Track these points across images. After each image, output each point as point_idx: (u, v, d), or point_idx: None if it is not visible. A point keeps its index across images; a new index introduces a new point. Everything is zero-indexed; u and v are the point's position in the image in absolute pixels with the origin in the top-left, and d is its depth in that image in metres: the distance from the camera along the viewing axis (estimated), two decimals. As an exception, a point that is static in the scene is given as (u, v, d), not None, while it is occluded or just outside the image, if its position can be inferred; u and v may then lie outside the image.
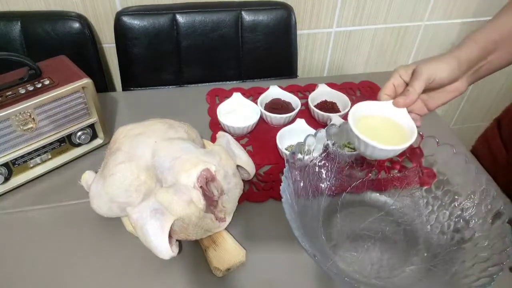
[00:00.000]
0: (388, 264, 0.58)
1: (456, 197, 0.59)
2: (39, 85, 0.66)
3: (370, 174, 0.67)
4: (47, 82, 0.67)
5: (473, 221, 0.55)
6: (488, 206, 0.53)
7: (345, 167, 0.66)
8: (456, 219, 0.57)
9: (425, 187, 0.63)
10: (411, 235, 0.62)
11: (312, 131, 0.70)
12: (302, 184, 0.59)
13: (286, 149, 0.76)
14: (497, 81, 1.51)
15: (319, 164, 0.63)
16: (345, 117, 0.80)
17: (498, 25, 0.58)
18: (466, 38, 0.58)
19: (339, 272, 0.53)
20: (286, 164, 0.55)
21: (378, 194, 0.67)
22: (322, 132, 0.62)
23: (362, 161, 0.66)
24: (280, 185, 0.52)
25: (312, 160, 0.62)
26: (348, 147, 0.67)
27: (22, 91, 0.65)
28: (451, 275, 0.51)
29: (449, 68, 0.56)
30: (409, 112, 0.57)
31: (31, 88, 0.65)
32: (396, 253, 0.60)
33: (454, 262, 0.53)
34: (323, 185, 0.65)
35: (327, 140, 0.63)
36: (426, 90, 0.57)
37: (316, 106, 0.86)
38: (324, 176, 0.65)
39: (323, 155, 0.63)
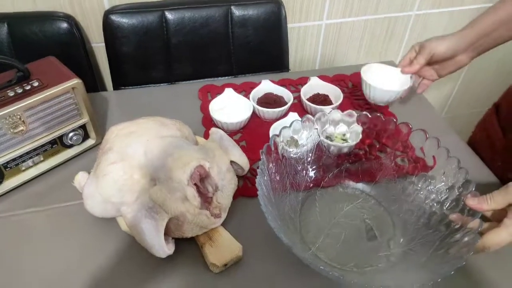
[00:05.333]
0: (366, 250, 0.59)
1: (431, 181, 0.60)
2: (28, 87, 0.65)
3: (347, 163, 0.68)
4: (36, 84, 0.66)
5: (447, 204, 0.56)
6: (460, 189, 0.55)
7: (322, 158, 0.67)
8: (431, 203, 0.59)
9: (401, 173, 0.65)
10: (388, 221, 0.64)
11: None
12: (278, 176, 0.60)
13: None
14: (488, 68, 1.52)
15: (294, 156, 0.64)
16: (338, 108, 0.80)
17: (498, 10, 0.69)
18: (476, 18, 0.71)
19: (316, 261, 0.54)
20: (261, 157, 0.55)
21: (355, 182, 0.69)
22: (298, 123, 0.63)
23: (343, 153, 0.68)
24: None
25: (287, 152, 0.62)
26: (342, 139, 0.67)
27: (11, 93, 0.64)
28: (428, 257, 0.53)
29: (447, 44, 0.71)
30: (421, 78, 0.80)
31: (20, 91, 0.64)
32: (373, 238, 0.61)
33: (430, 244, 0.54)
34: (300, 176, 0.66)
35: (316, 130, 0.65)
36: (436, 61, 0.74)
37: (308, 99, 0.86)
38: (300, 168, 0.66)
39: (303, 147, 0.65)
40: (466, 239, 0.49)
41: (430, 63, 0.75)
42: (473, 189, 0.52)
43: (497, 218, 0.50)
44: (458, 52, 0.72)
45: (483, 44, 0.71)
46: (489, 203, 0.49)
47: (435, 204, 0.58)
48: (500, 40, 0.71)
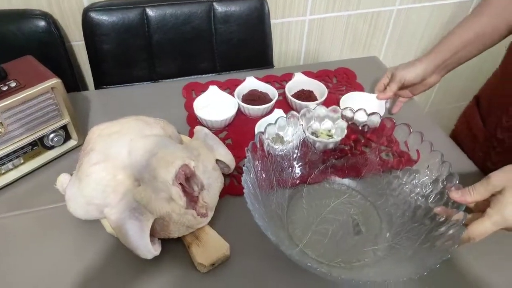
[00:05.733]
0: (353, 245, 0.60)
1: (415, 175, 0.61)
2: (5, 88, 0.63)
3: (333, 159, 0.68)
4: (13, 85, 0.64)
5: (432, 197, 0.57)
6: (444, 182, 0.55)
7: (307, 154, 0.67)
8: (416, 197, 0.60)
9: (386, 167, 0.65)
10: (375, 215, 0.64)
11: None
12: (264, 174, 0.60)
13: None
14: (468, 63, 1.54)
15: (280, 153, 0.64)
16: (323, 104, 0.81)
17: (465, 28, 0.73)
18: (441, 41, 0.75)
19: (303, 258, 0.54)
20: (247, 155, 0.55)
21: (341, 178, 0.69)
22: (283, 120, 0.63)
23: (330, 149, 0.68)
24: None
25: (273, 149, 0.62)
26: (328, 134, 0.67)
27: (-13, 95, 0.62)
28: (414, 251, 0.53)
29: (415, 72, 0.76)
30: (398, 97, 0.84)
31: (-4, 92, 0.63)
32: (360, 233, 0.61)
33: (416, 238, 0.55)
34: (286, 173, 0.66)
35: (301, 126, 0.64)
36: (408, 85, 0.79)
37: (293, 96, 0.85)
38: (286, 164, 0.65)
39: (288, 144, 0.64)
40: (451, 231, 0.50)
41: (402, 87, 0.81)
42: (457, 181, 0.53)
43: (480, 208, 0.50)
44: (427, 76, 0.77)
45: (451, 64, 0.76)
46: (472, 195, 0.50)
47: (420, 197, 0.59)
48: (465, 59, 0.75)
